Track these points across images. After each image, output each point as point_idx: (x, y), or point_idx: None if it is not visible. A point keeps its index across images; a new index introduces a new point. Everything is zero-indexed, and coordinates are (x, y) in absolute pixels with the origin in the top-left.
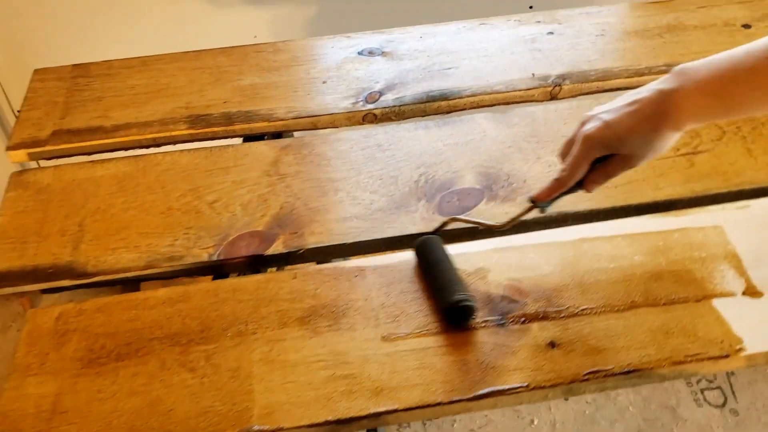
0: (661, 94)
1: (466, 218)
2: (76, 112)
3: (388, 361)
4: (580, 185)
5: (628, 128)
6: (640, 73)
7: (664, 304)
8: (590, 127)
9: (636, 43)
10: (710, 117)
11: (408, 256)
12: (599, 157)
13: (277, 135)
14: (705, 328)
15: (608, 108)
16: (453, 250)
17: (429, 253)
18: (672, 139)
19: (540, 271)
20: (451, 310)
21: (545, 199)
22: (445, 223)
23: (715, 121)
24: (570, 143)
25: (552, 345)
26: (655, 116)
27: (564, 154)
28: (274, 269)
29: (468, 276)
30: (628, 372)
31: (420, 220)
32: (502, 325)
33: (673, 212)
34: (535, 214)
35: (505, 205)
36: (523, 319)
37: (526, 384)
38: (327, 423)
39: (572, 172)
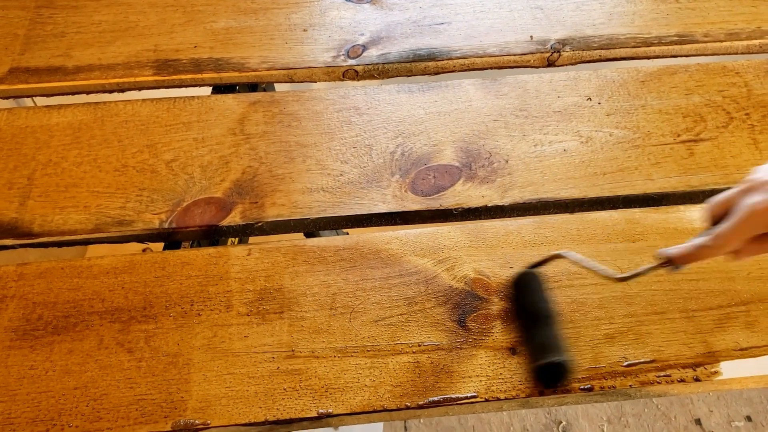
0: None
1: (578, 260)
2: (37, 48)
3: (339, 356)
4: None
5: None
6: (648, 43)
7: (642, 315)
8: (760, 200)
9: (648, 6)
10: None
11: (370, 236)
12: None
13: (252, 86)
14: (679, 345)
15: None
16: (417, 230)
17: (526, 296)
18: None
19: (512, 266)
20: (543, 370)
21: (684, 263)
22: (549, 258)
23: None
24: (725, 204)
25: (513, 351)
26: None
27: (714, 216)
28: (235, 240)
29: (434, 266)
30: (587, 389)
31: (391, 198)
32: (463, 325)
33: (664, 207)
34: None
35: (482, 187)
36: (485, 319)
37: (479, 394)
38: (266, 423)
39: (724, 245)
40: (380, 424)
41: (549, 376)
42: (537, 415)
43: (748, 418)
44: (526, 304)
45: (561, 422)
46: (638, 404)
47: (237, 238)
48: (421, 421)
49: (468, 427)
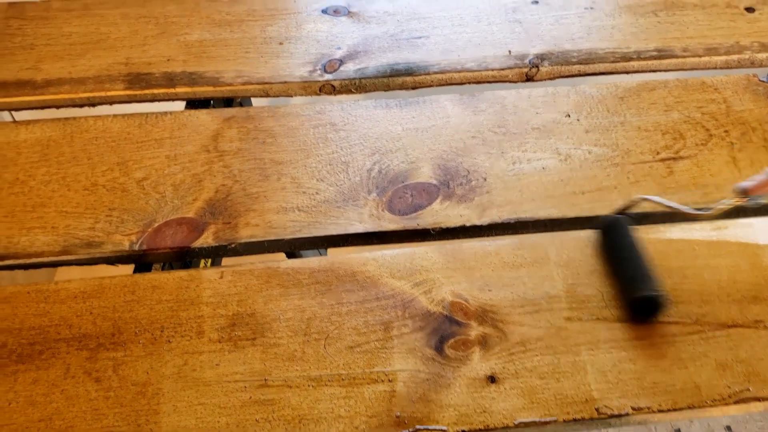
0: None
1: (661, 201)
2: (4, 60)
3: (313, 386)
4: None
5: None
6: (627, 58)
7: (627, 339)
8: None
9: (627, 20)
10: None
11: (346, 258)
12: None
13: (228, 101)
14: (661, 374)
15: None
16: (394, 251)
17: (615, 238)
18: None
19: (491, 288)
20: (640, 302)
21: (757, 194)
22: (632, 204)
23: None
24: None
25: (492, 380)
26: None
27: None
28: (208, 262)
29: (411, 288)
30: (575, 419)
31: (368, 218)
32: (441, 351)
33: (644, 227)
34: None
35: (460, 206)
36: (463, 346)
37: (456, 425)
38: None
39: None
40: None
41: (645, 309)
42: None
43: (728, 428)
44: (615, 245)
45: None
46: None
47: (210, 260)
48: None
49: None
